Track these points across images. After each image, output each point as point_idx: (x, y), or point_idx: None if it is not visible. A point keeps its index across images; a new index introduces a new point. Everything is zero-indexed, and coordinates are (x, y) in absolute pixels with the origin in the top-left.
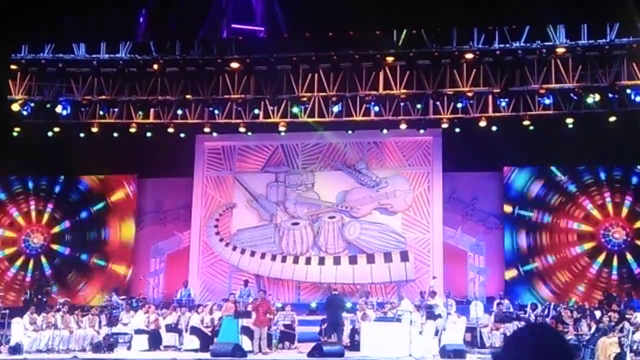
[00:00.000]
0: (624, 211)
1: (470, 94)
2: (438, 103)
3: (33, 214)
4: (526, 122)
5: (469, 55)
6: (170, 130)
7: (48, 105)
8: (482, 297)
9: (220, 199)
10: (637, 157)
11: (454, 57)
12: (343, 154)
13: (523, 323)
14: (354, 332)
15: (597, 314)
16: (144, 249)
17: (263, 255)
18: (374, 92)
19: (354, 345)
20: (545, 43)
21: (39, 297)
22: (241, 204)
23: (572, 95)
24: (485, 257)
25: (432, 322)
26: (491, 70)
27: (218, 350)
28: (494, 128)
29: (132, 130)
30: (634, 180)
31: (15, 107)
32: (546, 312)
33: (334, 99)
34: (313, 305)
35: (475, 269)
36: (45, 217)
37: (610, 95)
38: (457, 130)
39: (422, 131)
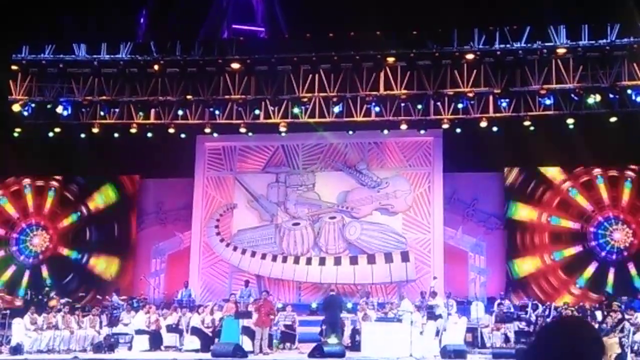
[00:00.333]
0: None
1: (471, 95)
2: (439, 103)
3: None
4: (527, 123)
5: (470, 56)
6: (171, 130)
7: (49, 106)
8: (482, 298)
9: (220, 199)
10: (638, 157)
11: (454, 57)
12: (344, 154)
13: (524, 323)
14: (355, 332)
15: (598, 314)
16: (144, 249)
17: (264, 256)
18: (374, 93)
19: (355, 346)
20: (546, 43)
21: (39, 297)
22: (242, 204)
23: (572, 95)
24: (486, 257)
25: (433, 322)
26: (492, 70)
27: (219, 351)
28: (494, 128)
29: (133, 130)
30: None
31: (16, 107)
32: (547, 313)
33: (334, 99)
34: (314, 305)
35: (476, 269)
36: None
37: (611, 95)
38: (458, 130)
39: (422, 132)
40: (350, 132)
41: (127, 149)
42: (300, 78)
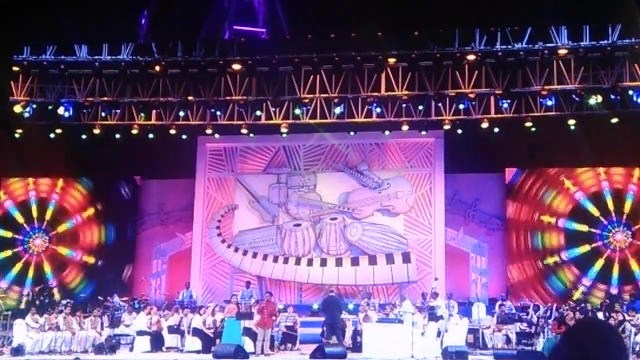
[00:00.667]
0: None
1: (472, 95)
2: (440, 104)
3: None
4: (528, 124)
5: (471, 57)
6: (172, 131)
7: (50, 107)
8: (484, 299)
9: (222, 200)
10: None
11: (456, 58)
12: (345, 155)
13: (525, 324)
14: (356, 333)
15: (600, 315)
16: (146, 250)
17: (265, 257)
18: (375, 94)
19: (356, 347)
20: (547, 44)
21: (41, 298)
22: (243, 205)
23: (574, 96)
24: (488, 258)
25: (434, 323)
26: (493, 71)
27: (220, 352)
28: (496, 129)
29: (134, 131)
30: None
31: (17, 108)
32: (548, 314)
33: (335, 100)
34: (315, 306)
35: (477, 270)
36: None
37: (613, 96)
38: (459, 131)
39: (424, 132)
40: (352, 133)
41: (129, 150)
42: (301, 79)
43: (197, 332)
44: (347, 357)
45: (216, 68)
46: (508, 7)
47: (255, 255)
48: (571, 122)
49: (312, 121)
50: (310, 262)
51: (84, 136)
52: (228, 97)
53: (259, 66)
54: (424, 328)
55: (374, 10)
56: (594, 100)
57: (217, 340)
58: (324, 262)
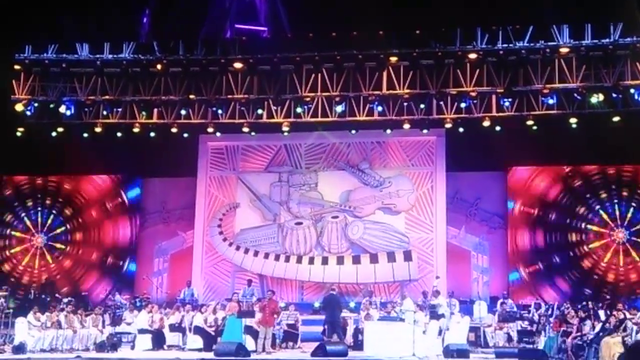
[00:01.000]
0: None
1: (473, 94)
2: (441, 103)
3: (39, 214)
4: (530, 122)
5: (473, 55)
6: (174, 130)
7: (52, 106)
8: (485, 297)
9: (223, 198)
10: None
11: (457, 57)
12: (346, 153)
13: (527, 323)
14: (358, 331)
15: (601, 313)
16: (147, 248)
17: (266, 255)
18: (377, 92)
19: (358, 345)
20: (549, 43)
21: (43, 296)
22: (244, 203)
23: (575, 95)
24: (489, 257)
25: (436, 321)
26: (495, 70)
27: (221, 350)
28: (497, 128)
29: (136, 130)
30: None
31: (18, 107)
32: (550, 312)
33: (337, 98)
34: (316, 305)
35: (479, 268)
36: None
37: (614, 95)
38: (461, 130)
39: (425, 131)
40: (353, 132)
41: (130, 148)
42: (302, 77)
43: (198, 330)
44: (349, 356)
45: (218, 67)
46: (509, 5)
47: (256, 253)
48: (573, 120)
49: (313, 120)
50: (311, 261)
51: (85, 135)
52: (229, 96)
53: (260, 65)
54: (426, 326)
55: (375, 9)
56: (596, 98)
57: (219, 339)
58: (325, 261)
